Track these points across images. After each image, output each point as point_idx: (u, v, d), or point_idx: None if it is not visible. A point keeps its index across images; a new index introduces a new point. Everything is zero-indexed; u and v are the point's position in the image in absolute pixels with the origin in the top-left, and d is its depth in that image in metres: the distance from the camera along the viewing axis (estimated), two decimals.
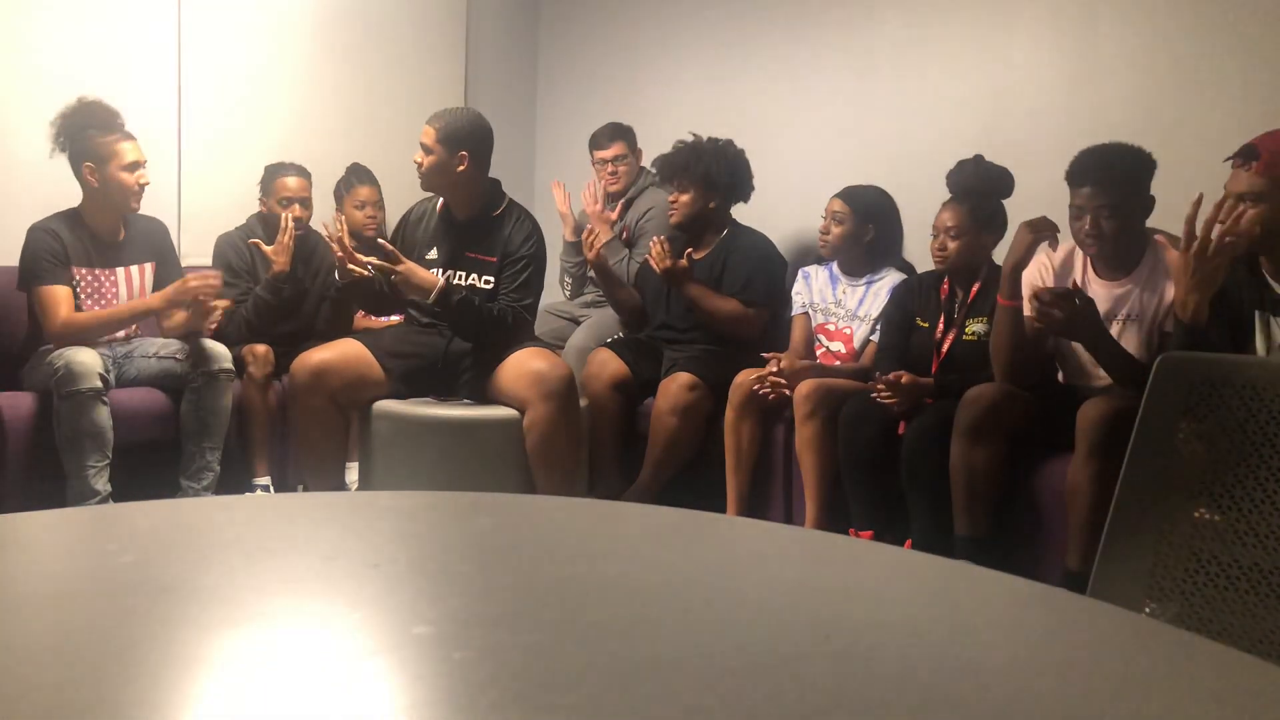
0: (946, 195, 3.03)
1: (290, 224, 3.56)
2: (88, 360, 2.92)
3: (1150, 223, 2.68)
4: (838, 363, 3.38)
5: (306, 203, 3.68)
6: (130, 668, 0.71)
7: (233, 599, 0.85)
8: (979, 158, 3.04)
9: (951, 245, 2.97)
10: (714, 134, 3.55)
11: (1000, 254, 2.85)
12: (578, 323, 4.02)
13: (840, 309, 3.42)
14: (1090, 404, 2.47)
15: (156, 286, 3.27)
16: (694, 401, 3.28)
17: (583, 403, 3.23)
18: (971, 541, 2.63)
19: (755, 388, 3.18)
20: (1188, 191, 2.20)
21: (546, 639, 0.78)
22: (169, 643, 0.75)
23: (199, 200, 3.94)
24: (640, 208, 4.01)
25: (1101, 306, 2.62)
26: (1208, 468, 1.25)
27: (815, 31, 4.00)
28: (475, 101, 4.64)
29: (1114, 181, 2.58)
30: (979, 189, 2.98)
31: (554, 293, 4.26)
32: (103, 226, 3.19)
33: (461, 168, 3.05)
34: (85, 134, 3.10)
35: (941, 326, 3.04)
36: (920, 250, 3.31)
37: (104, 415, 2.93)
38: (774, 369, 3.17)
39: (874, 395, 2.89)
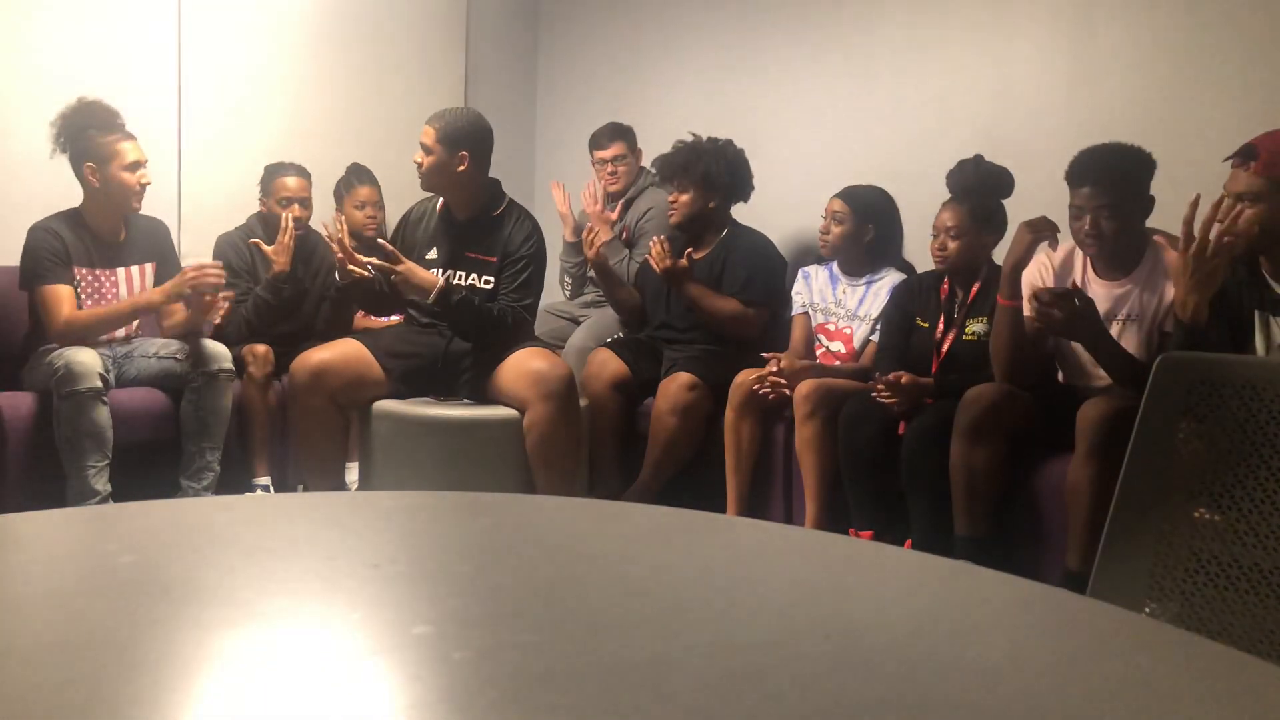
0: (946, 195, 3.03)
1: (290, 224, 3.55)
2: (88, 360, 2.92)
3: (1150, 223, 2.68)
4: (838, 363, 3.38)
5: (306, 203, 3.68)
6: (130, 668, 0.71)
7: (233, 599, 0.85)
8: (979, 158, 3.04)
9: (951, 245, 2.97)
10: (714, 134, 3.55)
11: (1000, 254, 2.85)
12: (578, 323, 4.01)
13: (840, 309, 3.42)
14: (1090, 404, 2.47)
15: (157, 286, 3.27)
16: (694, 401, 3.28)
17: (583, 403, 3.23)
18: (971, 541, 2.62)
19: (755, 388, 3.18)
20: (1188, 191, 2.20)
21: (546, 639, 0.78)
22: (169, 643, 0.75)
23: (199, 200, 3.94)
24: (640, 208, 4.01)
25: (1101, 306, 2.62)
26: (1208, 468, 1.25)
27: (815, 32, 4.00)
28: (475, 101, 4.64)
29: (1114, 181, 2.58)
30: (979, 189, 2.98)
31: (554, 293, 4.26)
32: (104, 226, 3.19)
33: (461, 168, 3.05)
34: (86, 134, 3.10)
35: (941, 326, 3.04)
36: (920, 250, 3.31)
37: (104, 415, 2.93)
38: (774, 369, 3.17)
39: (874, 395, 2.89)
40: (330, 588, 0.89)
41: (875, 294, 3.34)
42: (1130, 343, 2.62)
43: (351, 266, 2.99)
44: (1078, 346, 2.68)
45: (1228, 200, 2.20)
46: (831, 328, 3.43)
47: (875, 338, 3.29)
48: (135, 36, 3.78)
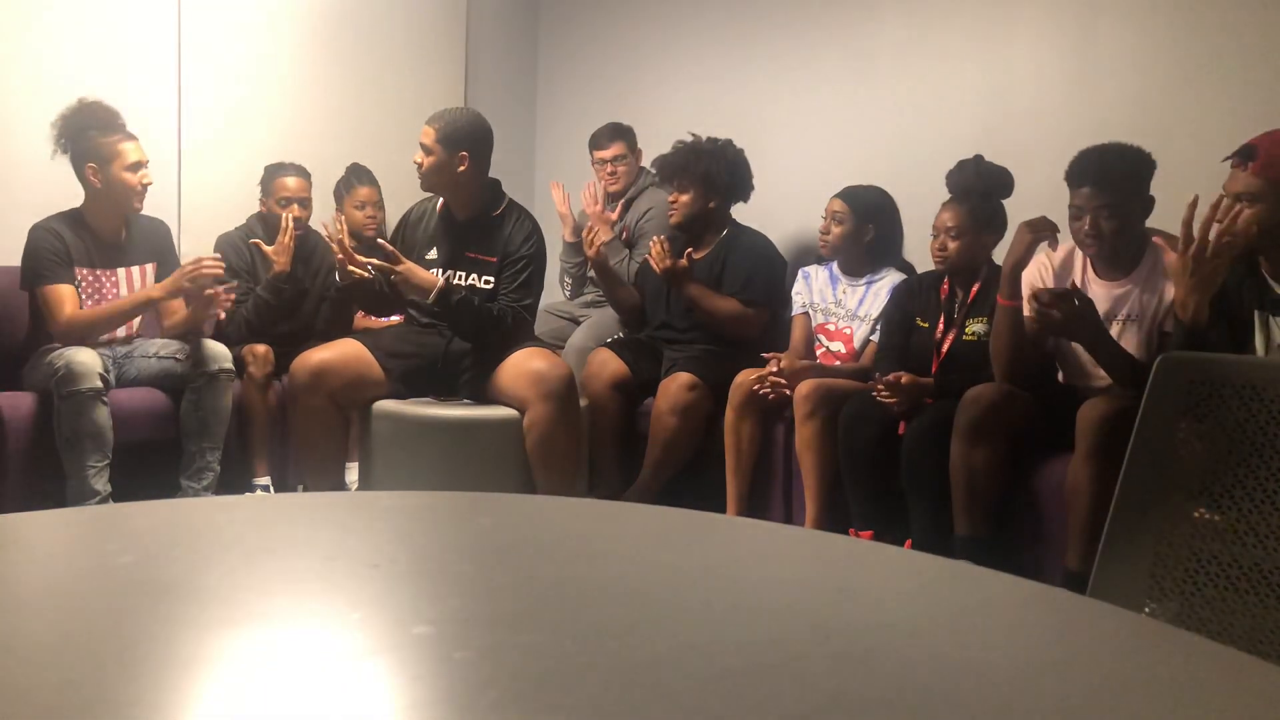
0: (946, 195, 3.03)
1: (290, 224, 3.56)
2: (88, 360, 2.92)
3: (1150, 223, 2.68)
4: (838, 363, 3.38)
5: (306, 203, 3.68)
6: (130, 668, 0.71)
7: (233, 599, 0.85)
8: (979, 158, 3.04)
9: (951, 245, 2.97)
10: (714, 134, 3.55)
11: (1000, 254, 2.85)
12: (578, 323, 4.01)
13: (840, 309, 3.42)
14: (1090, 404, 2.47)
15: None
16: (694, 401, 3.28)
17: (583, 403, 3.23)
18: (971, 541, 2.63)
19: (755, 388, 3.18)
20: (1187, 191, 2.20)
21: (546, 639, 0.78)
22: (169, 643, 0.75)
23: (199, 200, 3.94)
24: (640, 208, 4.01)
25: (1101, 307, 2.62)
26: (1208, 468, 1.25)
27: (815, 31, 4.00)
28: (475, 101, 4.64)
29: (1113, 182, 2.58)
30: (979, 189, 2.98)
31: (554, 293, 4.26)
32: (105, 227, 3.19)
33: (461, 168, 3.05)
34: (87, 135, 3.10)
35: (941, 326, 3.04)
36: (920, 250, 3.31)
37: (104, 415, 2.94)
38: (774, 369, 3.17)
39: (874, 395, 2.89)
40: (330, 588, 0.89)
41: (875, 294, 3.34)
42: (1130, 343, 2.62)
43: (351, 267, 2.99)
44: (1078, 346, 2.68)
45: (1227, 200, 2.20)
46: (831, 328, 3.44)
47: (875, 338, 3.29)
48: (135, 36, 3.78)
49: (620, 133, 4.08)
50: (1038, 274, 2.76)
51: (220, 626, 0.79)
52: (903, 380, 2.86)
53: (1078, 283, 2.69)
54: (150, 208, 3.30)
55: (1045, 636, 0.87)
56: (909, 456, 2.76)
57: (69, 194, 3.18)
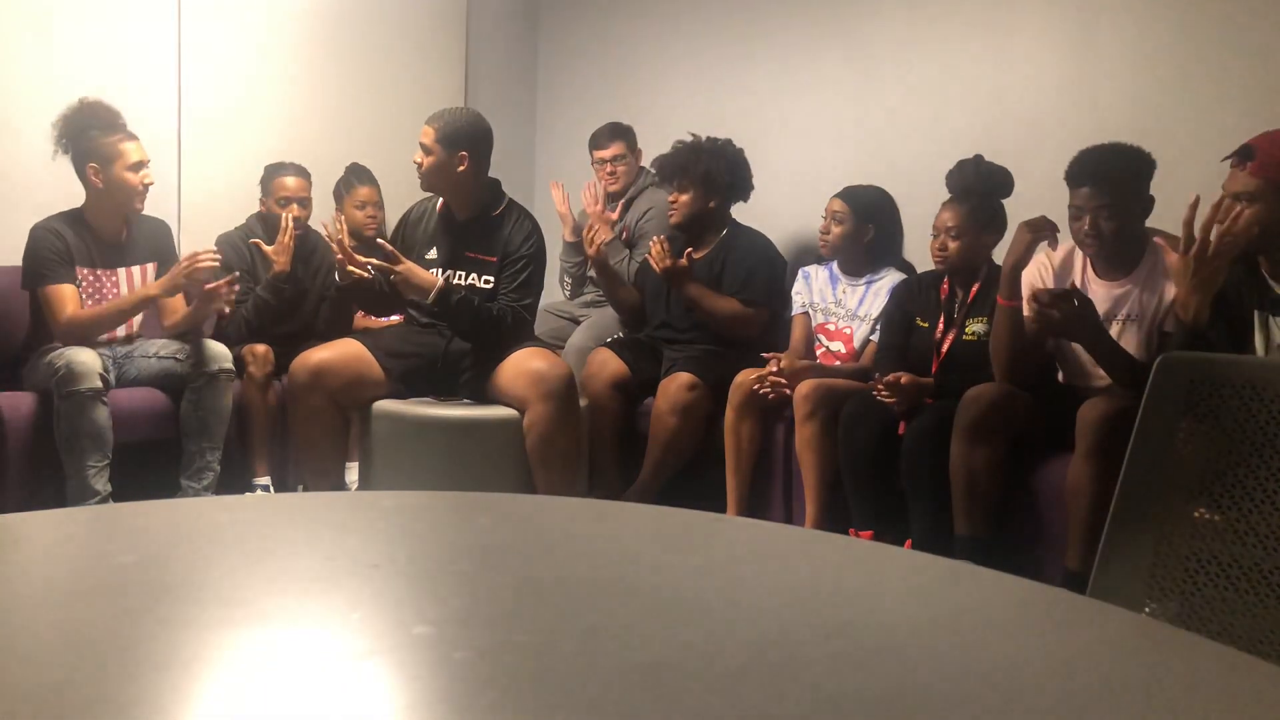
0: (946, 195, 3.03)
1: (290, 224, 3.56)
2: (88, 360, 2.92)
3: (1150, 223, 2.68)
4: (838, 363, 3.38)
5: (306, 202, 3.68)
6: (130, 668, 0.71)
7: (233, 599, 0.85)
8: (979, 158, 3.04)
9: (951, 245, 2.97)
10: (714, 134, 3.55)
11: (1000, 254, 2.85)
12: (578, 323, 4.01)
13: (840, 309, 3.42)
14: (1090, 404, 2.47)
15: None
16: (694, 401, 3.28)
17: (583, 403, 3.23)
18: (971, 541, 2.62)
19: (755, 388, 3.18)
20: (1187, 191, 2.20)
21: (546, 639, 0.78)
22: (169, 643, 0.75)
23: (199, 200, 3.94)
24: (640, 208, 4.01)
25: (1101, 307, 2.62)
26: (1208, 468, 1.25)
27: (815, 31, 4.00)
28: (475, 101, 4.64)
29: (1113, 182, 2.58)
30: (979, 189, 2.98)
31: (554, 293, 4.26)
32: (106, 227, 3.19)
33: (461, 168, 3.06)
34: (88, 135, 3.10)
35: (941, 326, 3.04)
36: (920, 250, 3.31)
37: (104, 415, 2.94)
38: (774, 369, 3.17)
39: (874, 395, 2.89)
40: (330, 588, 0.89)
41: (875, 294, 3.34)
42: (1130, 343, 2.62)
43: (351, 267, 2.99)
44: (1077, 346, 2.68)
45: (1227, 200, 2.20)
46: (831, 328, 3.43)
47: (875, 338, 3.29)
48: (135, 36, 3.78)
49: (620, 133, 4.08)
50: (1037, 274, 2.76)
51: (220, 626, 0.79)
52: (903, 380, 2.86)
53: (1077, 283, 2.69)
54: (150, 207, 3.30)
55: (1045, 636, 0.87)
56: (909, 456, 2.76)
57: (70, 194, 3.18)
